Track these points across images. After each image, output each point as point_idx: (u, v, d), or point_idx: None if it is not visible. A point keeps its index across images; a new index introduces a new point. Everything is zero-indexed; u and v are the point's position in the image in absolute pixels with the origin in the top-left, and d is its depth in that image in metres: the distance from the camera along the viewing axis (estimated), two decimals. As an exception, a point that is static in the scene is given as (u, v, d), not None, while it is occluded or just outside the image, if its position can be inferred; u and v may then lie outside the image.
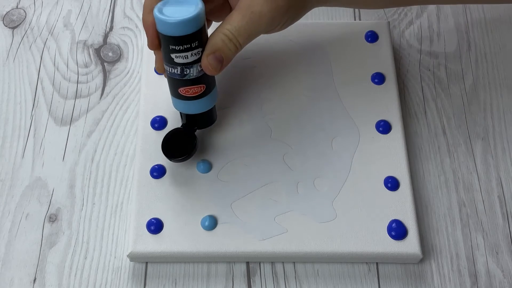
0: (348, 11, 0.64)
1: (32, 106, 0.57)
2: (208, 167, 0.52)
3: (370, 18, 0.63)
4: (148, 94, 0.56)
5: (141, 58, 0.60)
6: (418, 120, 0.57)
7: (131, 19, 0.63)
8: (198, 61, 0.45)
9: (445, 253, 0.51)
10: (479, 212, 0.53)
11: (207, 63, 0.45)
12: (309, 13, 0.64)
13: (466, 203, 0.53)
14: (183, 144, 0.50)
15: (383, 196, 0.51)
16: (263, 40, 0.59)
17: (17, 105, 0.57)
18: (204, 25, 0.45)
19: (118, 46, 0.61)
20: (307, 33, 0.60)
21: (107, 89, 0.59)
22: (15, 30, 0.62)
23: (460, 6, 0.64)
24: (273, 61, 0.58)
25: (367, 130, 0.54)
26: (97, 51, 0.61)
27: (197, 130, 0.51)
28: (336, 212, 0.50)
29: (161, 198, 0.50)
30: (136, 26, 0.63)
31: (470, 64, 0.61)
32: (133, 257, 0.49)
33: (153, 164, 0.52)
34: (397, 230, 0.49)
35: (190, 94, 0.47)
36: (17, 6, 0.63)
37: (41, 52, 0.60)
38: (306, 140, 0.53)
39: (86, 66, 0.60)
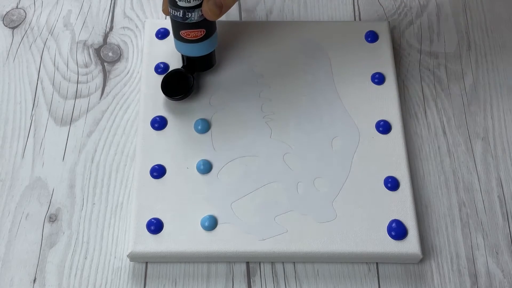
0: (348, 11, 0.64)
1: (32, 106, 0.57)
2: (208, 167, 0.52)
3: (370, 18, 0.63)
4: (148, 94, 0.56)
5: (141, 58, 0.60)
6: (418, 120, 0.57)
7: (131, 19, 0.63)
8: (199, 6, 0.49)
9: (445, 253, 0.51)
10: (479, 212, 0.53)
11: (207, 9, 0.49)
12: (309, 13, 0.64)
13: (466, 203, 0.53)
14: (182, 84, 0.54)
15: (383, 196, 0.51)
16: (263, 40, 0.59)
17: (17, 105, 0.57)
18: None
19: (118, 46, 0.61)
20: (307, 33, 0.60)
21: (107, 89, 0.59)
22: (15, 30, 0.62)
23: (460, 6, 0.64)
24: (273, 61, 0.58)
25: (367, 130, 0.54)
26: (97, 51, 0.61)
27: (195, 78, 0.55)
28: (336, 212, 0.50)
29: (161, 198, 0.50)
30: (136, 26, 0.63)
31: (470, 64, 0.61)
32: (133, 257, 0.49)
33: (153, 164, 0.52)
34: (397, 230, 0.49)
35: (191, 37, 0.51)
36: (17, 6, 0.63)
37: (41, 52, 0.60)
38: (306, 140, 0.53)
39: (86, 66, 0.60)
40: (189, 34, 0.51)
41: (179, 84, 0.54)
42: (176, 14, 0.50)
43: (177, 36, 0.52)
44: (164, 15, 0.63)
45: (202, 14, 0.50)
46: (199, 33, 0.51)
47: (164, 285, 0.49)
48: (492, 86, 0.60)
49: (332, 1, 0.65)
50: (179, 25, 0.51)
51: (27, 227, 0.51)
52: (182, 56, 0.55)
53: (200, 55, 0.53)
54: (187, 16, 0.50)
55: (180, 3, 0.49)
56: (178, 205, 0.50)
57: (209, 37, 0.52)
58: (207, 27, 0.51)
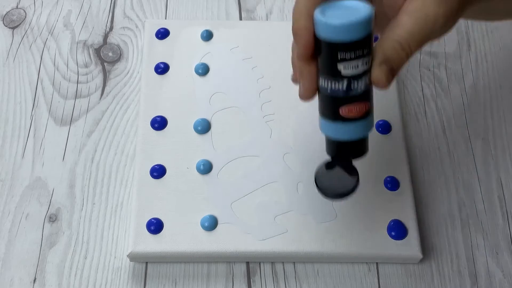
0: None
1: (32, 106, 0.57)
2: (208, 167, 0.52)
3: (370, 18, 0.63)
4: (148, 94, 0.56)
5: (141, 58, 0.60)
6: (418, 120, 0.57)
7: (131, 19, 0.63)
8: (366, 72, 0.39)
9: (445, 253, 0.51)
10: (479, 212, 0.53)
11: (381, 74, 0.39)
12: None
13: (466, 203, 0.53)
14: (343, 178, 0.43)
15: (383, 196, 0.51)
16: (263, 40, 0.59)
17: (17, 105, 0.57)
18: (373, 29, 0.39)
19: (118, 46, 0.61)
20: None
21: (107, 89, 0.59)
22: (15, 30, 0.62)
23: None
24: (273, 61, 0.58)
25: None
26: (97, 51, 0.61)
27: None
28: (336, 212, 0.50)
29: (161, 198, 0.50)
30: (136, 26, 0.63)
31: (470, 64, 0.61)
32: (133, 257, 0.49)
33: (153, 164, 0.52)
34: (397, 230, 0.49)
35: (354, 113, 0.39)
36: (17, 6, 0.63)
37: (41, 52, 0.60)
38: (306, 140, 0.53)
39: (86, 66, 0.60)
40: (352, 110, 0.39)
41: (340, 178, 0.43)
42: (336, 87, 0.39)
43: (333, 116, 0.40)
44: (165, 16, 0.63)
45: (369, 83, 0.39)
46: (364, 107, 0.39)
47: (164, 285, 0.49)
48: (492, 86, 0.60)
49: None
50: (338, 100, 0.39)
51: (27, 227, 0.51)
52: (331, 143, 0.42)
53: (363, 135, 0.41)
54: (352, 87, 0.38)
55: (345, 72, 0.38)
56: (178, 205, 0.50)
57: (372, 111, 0.41)
58: (371, 98, 0.40)
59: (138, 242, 0.49)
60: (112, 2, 0.64)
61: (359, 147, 0.42)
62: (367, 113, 0.40)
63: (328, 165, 0.43)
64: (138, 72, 0.60)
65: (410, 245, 0.49)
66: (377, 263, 0.50)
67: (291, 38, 0.59)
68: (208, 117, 0.54)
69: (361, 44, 0.38)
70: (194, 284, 0.49)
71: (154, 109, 0.55)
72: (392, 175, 0.52)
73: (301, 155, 0.53)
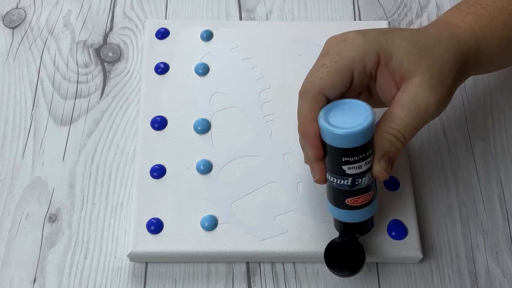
0: (348, 11, 0.64)
1: (32, 106, 0.57)
2: (208, 167, 0.52)
3: (370, 18, 0.63)
4: (148, 94, 0.56)
5: (141, 58, 0.60)
6: (418, 120, 0.57)
7: (131, 19, 0.63)
8: (370, 169, 0.42)
9: (445, 253, 0.51)
10: (479, 212, 0.53)
11: (380, 169, 0.42)
12: (309, 13, 0.64)
13: (466, 203, 0.53)
14: (351, 255, 0.46)
15: (383, 196, 0.51)
16: (263, 40, 0.59)
17: (17, 105, 0.57)
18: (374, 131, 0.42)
19: (118, 46, 0.61)
20: (307, 33, 0.60)
21: (107, 89, 0.59)
22: (15, 30, 0.62)
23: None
24: (273, 61, 0.58)
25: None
26: (97, 51, 0.61)
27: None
28: (336, 212, 0.50)
29: (161, 198, 0.50)
30: (136, 26, 0.63)
31: (470, 64, 0.61)
32: (133, 257, 0.49)
33: (153, 164, 0.52)
34: (397, 230, 0.49)
35: (359, 203, 0.44)
36: (17, 6, 0.63)
37: (41, 52, 0.60)
38: (306, 140, 0.53)
39: (86, 66, 0.60)
40: (357, 201, 0.43)
41: (348, 255, 0.46)
42: (342, 182, 0.42)
43: (340, 205, 0.44)
44: (165, 16, 0.63)
45: (372, 177, 0.43)
46: (368, 196, 0.44)
47: (164, 285, 0.49)
48: (492, 86, 0.60)
49: (332, 1, 0.65)
50: (345, 193, 0.43)
51: (27, 227, 0.51)
52: (338, 222, 0.46)
53: (367, 218, 0.46)
54: (356, 183, 0.42)
55: (349, 171, 0.42)
56: (178, 205, 0.50)
57: (376, 196, 0.45)
58: (374, 187, 0.44)
59: (138, 242, 0.49)
60: (112, 2, 0.64)
61: (364, 226, 0.46)
62: (371, 200, 0.44)
63: (336, 240, 0.47)
64: (138, 72, 0.60)
65: (410, 245, 0.49)
66: (377, 263, 0.50)
67: (291, 38, 0.59)
68: (208, 117, 0.54)
69: (364, 148, 0.41)
70: (194, 284, 0.49)
71: (154, 109, 0.55)
72: (392, 175, 0.52)
73: (301, 155, 0.53)
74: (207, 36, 0.59)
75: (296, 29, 0.60)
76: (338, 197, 0.44)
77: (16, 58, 0.60)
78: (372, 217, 0.47)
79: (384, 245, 0.49)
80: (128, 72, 0.60)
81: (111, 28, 0.62)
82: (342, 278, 0.48)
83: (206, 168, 0.52)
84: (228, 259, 0.50)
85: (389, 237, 0.49)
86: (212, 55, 0.58)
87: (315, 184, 0.51)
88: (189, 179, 0.51)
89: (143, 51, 0.59)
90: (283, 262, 0.50)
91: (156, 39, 0.59)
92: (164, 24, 0.60)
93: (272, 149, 0.53)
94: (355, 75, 0.43)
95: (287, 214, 0.50)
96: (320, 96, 0.42)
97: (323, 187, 0.51)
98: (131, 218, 0.50)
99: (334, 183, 0.43)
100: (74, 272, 0.49)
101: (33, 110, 0.57)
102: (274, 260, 0.50)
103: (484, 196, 0.54)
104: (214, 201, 0.50)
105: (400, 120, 0.42)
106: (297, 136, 0.54)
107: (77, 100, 0.58)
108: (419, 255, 0.49)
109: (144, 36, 0.60)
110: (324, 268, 0.50)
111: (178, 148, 0.53)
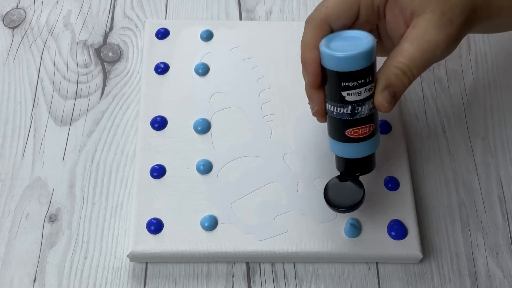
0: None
1: (32, 106, 0.57)
2: (208, 167, 0.52)
3: (370, 18, 0.63)
4: (148, 94, 0.56)
5: (141, 58, 0.60)
6: (418, 120, 0.57)
7: (131, 19, 0.63)
8: (370, 97, 0.42)
9: (445, 253, 0.51)
10: (479, 212, 0.53)
11: (383, 100, 0.41)
12: (309, 13, 0.64)
13: (466, 203, 0.53)
14: (351, 192, 0.46)
15: (383, 196, 0.51)
16: (263, 40, 0.59)
17: (17, 105, 0.57)
18: (376, 57, 0.42)
19: (118, 46, 0.61)
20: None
21: (107, 89, 0.59)
22: (15, 30, 0.62)
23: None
24: (273, 61, 0.58)
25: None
26: (97, 51, 0.61)
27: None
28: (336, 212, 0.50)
29: (161, 198, 0.50)
30: (136, 26, 0.63)
31: (470, 64, 0.61)
32: (133, 257, 0.49)
33: (153, 164, 0.52)
34: (397, 230, 0.49)
35: (359, 135, 0.43)
36: (17, 6, 0.63)
37: (41, 52, 0.60)
38: (306, 140, 0.53)
39: (86, 66, 0.60)
40: (357, 132, 0.43)
41: (347, 192, 0.46)
42: (341, 111, 0.42)
43: (340, 137, 0.44)
44: (165, 16, 0.63)
45: (373, 107, 0.42)
46: (369, 128, 0.43)
47: (164, 285, 0.49)
48: (492, 86, 0.60)
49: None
50: (344, 123, 0.43)
51: (27, 227, 0.51)
52: (339, 160, 0.46)
53: (368, 154, 0.45)
54: (356, 111, 0.42)
55: (349, 98, 0.41)
56: (178, 205, 0.50)
57: (377, 131, 0.44)
58: (376, 120, 0.44)
59: (138, 242, 0.49)
60: (112, 2, 0.64)
61: (365, 164, 0.45)
62: (372, 134, 0.44)
63: (337, 179, 0.46)
64: (138, 72, 0.60)
65: (410, 245, 0.49)
66: (377, 263, 0.50)
67: (291, 38, 0.59)
68: (208, 117, 0.54)
69: (364, 73, 0.41)
70: (194, 284, 0.49)
71: (154, 109, 0.55)
72: (392, 175, 0.52)
73: (301, 155, 0.53)
74: (207, 36, 0.59)
75: (296, 29, 0.60)
76: (338, 128, 0.43)
77: (16, 58, 0.60)
78: (373, 156, 0.46)
79: (384, 245, 0.49)
80: (128, 72, 0.60)
81: (111, 28, 0.62)
82: (341, 214, 0.48)
83: (206, 168, 0.52)
84: (228, 259, 0.50)
85: (389, 237, 0.49)
86: (212, 55, 0.58)
87: (315, 184, 0.51)
88: (189, 179, 0.51)
89: (143, 51, 0.59)
90: (283, 262, 0.50)
91: (156, 39, 0.59)
92: (164, 24, 0.60)
93: (272, 149, 0.53)
94: (362, 8, 0.43)
95: (287, 214, 0.50)
96: (324, 24, 0.43)
97: (323, 187, 0.51)
98: (131, 218, 0.50)
99: (334, 113, 0.43)
100: (74, 272, 0.49)
101: (33, 110, 0.57)
102: (274, 260, 0.50)
103: (484, 196, 0.54)
104: (214, 201, 0.50)
105: (409, 54, 0.41)
106: (297, 136, 0.54)
107: (77, 100, 0.58)
108: (419, 255, 0.49)
109: (144, 36, 0.60)
110: (324, 268, 0.50)
111: (178, 148, 0.53)
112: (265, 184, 0.51)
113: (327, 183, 0.47)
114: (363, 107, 0.42)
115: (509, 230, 0.52)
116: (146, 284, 0.49)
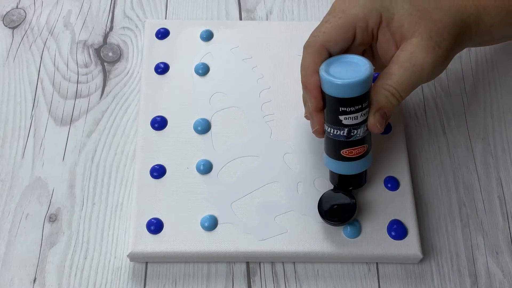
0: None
1: (32, 106, 0.57)
2: (208, 167, 0.52)
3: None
4: (148, 94, 0.56)
5: (141, 58, 0.60)
6: (418, 120, 0.57)
7: (131, 19, 0.63)
8: (365, 121, 0.44)
9: (445, 253, 0.51)
10: (479, 212, 0.53)
11: (375, 122, 0.44)
12: (309, 13, 0.64)
13: (466, 203, 0.53)
14: (344, 206, 0.48)
15: (383, 196, 0.51)
16: (263, 40, 0.59)
17: (17, 105, 0.57)
18: (371, 83, 0.44)
19: (118, 46, 0.61)
20: (307, 33, 0.59)
21: (107, 89, 0.59)
22: (15, 30, 0.62)
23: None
24: (273, 61, 0.58)
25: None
26: (97, 51, 0.61)
27: None
28: (336, 212, 0.50)
29: (161, 198, 0.50)
30: (136, 26, 0.63)
31: (470, 64, 0.61)
32: (133, 257, 0.49)
33: (153, 164, 0.52)
34: (397, 230, 0.49)
35: (353, 154, 0.46)
36: (17, 6, 0.63)
37: (41, 52, 0.60)
38: (306, 140, 0.53)
39: (86, 66, 0.60)
40: (352, 152, 0.46)
41: (341, 205, 0.48)
42: (338, 133, 0.45)
43: (335, 156, 0.46)
44: (165, 16, 0.63)
45: (366, 129, 0.45)
46: (362, 149, 0.46)
47: (164, 285, 0.49)
48: (492, 86, 0.60)
49: (332, 1, 0.65)
50: (340, 144, 0.46)
51: (27, 227, 0.51)
52: (333, 174, 0.49)
53: (361, 171, 0.48)
54: (352, 134, 0.45)
55: (345, 122, 0.44)
56: (178, 205, 0.50)
57: (370, 150, 0.47)
58: (369, 141, 0.47)
59: (138, 242, 0.49)
60: (112, 2, 0.64)
61: (358, 179, 0.49)
62: (365, 153, 0.47)
63: (331, 192, 0.49)
64: (138, 72, 0.60)
65: (410, 245, 0.49)
66: (377, 263, 0.50)
67: (291, 38, 0.59)
68: (208, 117, 0.54)
69: (360, 100, 0.43)
70: (194, 284, 0.49)
71: (154, 109, 0.55)
72: (392, 175, 0.52)
73: (301, 155, 0.53)
74: (207, 36, 0.59)
75: (296, 29, 0.60)
76: (334, 148, 0.46)
77: (16, 58, 0.60)
78: (366, 172, 0.49)
79: (384, 245, 0.49)
80: (128, 72, 0.60)
81: (111, 28, 0.62)
82: (332, 226, 0.49)
83: (206, 168, 0.52)
84: (228, 259, 0.50)
85: (389, 237, 0.49)
86: (212, 55, 0.58)
87: (315, 184, 0.51)
88: (189, 179, 0.51)
89: (143, 51, 0.59)
90: (283, 262, 0.50)
91: (156, 39, 0.59)
92: (164, 24, 0.60)
93: (272, 149, 0.53)
94: (358, 32, 0.45)
95: (287, 214, 0.50)
96: (322, 49, 0.45)
97: (323, 187, 0.51)
98: (131, 218, 0.50)
99: (331, 134, 0.45)
100: (74, 272, 0.49)
101: (33, 110, 0.57)
102: (274, 260, 0.50)
103: (484, 196, 0.54)
104: (214, 201, 0.50)
105: (397, 78, 0.44)
106: (297, 136, 0.54)
107: (77, 100, 0.58)
108: (419, 255, 0.49)
109: (144, 36, 0.60)
110: (324, 268, 0.50)
111: (178, 148, 0.53)
112: (265, 184, 0.51)
113: (322, 195, 0.49)
114: (359, 130, 0.45)
115: (509, 230, 0.52)
116: (146, 284, 0.49)
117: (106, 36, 0.62)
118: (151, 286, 0.49)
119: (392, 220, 0.50)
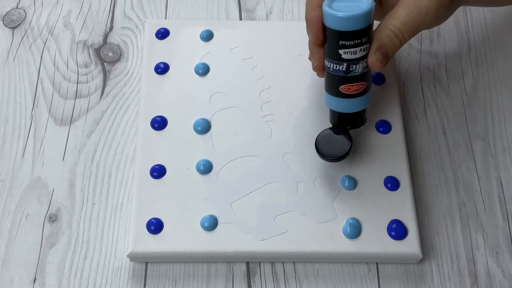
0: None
1: (32, 106, 0.57)
2: (208, 167, 0.52)
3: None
4: (148, 94, 0.56)
5: (141, 58, 0.60)
6: (418, 120, 0.57)
7: (131, 19, 0.63)
8: (364, 57, 0.45)
9: (445, 253, 0.51)
10: (479, 212, 0.53)
11: (375, 59, 0.45)
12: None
13: (466, 203, 0.53)
14: (339, 144, 0.49)
15: (383, 196, 0.51)
16: (263, 40, 0.59)
17: (17, 105, 0.57)
18: (373, 20, 0.45)
19: (118, 46, 0.61)
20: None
21: (107, 89, 0.59)
22: (15, 30, 0.62)
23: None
24: (273, 61, 0.58)
25: (367, 129, 0.54)
26: (97, 51, 0.61)
27: None
28: (336, 212, 0.50)
29: (161, 198, 0.50)
30: (136, 26, 0.63)
31: (470, 64, 0.61)
32: (133, 257, 0.49)
33: (153, 164, 0.52)
34: (397, 230, 0.49)
35: (352, 91, 0.47)
36: (17, 6, 0.63)
37: (41, 52, 0.60)
38: (306, 140, 0.53)
39: (86, 66, 0.60)
40: (350, 88, 0.46)
41: (337, 143, 0.49)
42: (337, 68, 0.46)
43: (334, 92, 0.47)
44: (165, 16, 0.63)
45: (366, 66, 0.46)
46: (361, 86, 0.47)
47: (164, 285, 0.49)
48: (492, 86, 0.60)
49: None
50: (339, 79, 0.46)
51: (27, 227, 0.51)
52: (333, 113, 0.50)
53: (359, 110, 0.49)
54: (351, 69, 0.45)
55: (345, 56, 0.45)
56: (178, 205, 0.50)
57: (369, 89, 0.48)
58: (368, 79, 0.47)
59: (138, 242, 0.49)
60: (112, 2, 0.64)
61: (356, 119, 0.49)
62: (364, 91, 0.47)
63: (330, 130, 0.50)
64: (138, 72, 0.60)
65: (410, 245, 0.49)
66: (377, 263, 0.50)
67: (291, 38, 0.59)
68: (208, 117, 0.54)
69: (360, 34, 0.44)
70: (194, 284, 0.49)
71: (154, 109, 0.55)
72: (392, 175, 0.52)
73: (301, 155, 0.53)
74: (207, 36, 0.59)
75: (296, 29, 0.60)
76: (333, 85, 0.47)
77: (16, 58, 0.60)
78: (364, 112, 0.50)
79: (384, 245, 0.49)
80: (128, 72, 0.60)
81: (111, 28, 0.62)
82: (329, 162, 0.50)
83: (206, 168, 0.52)
84: (228, 259, 0.50)
85: (389, 237, 0.49)
86: (212, 55, 0.58)
87: (315, 184, 0.51)
88: (189, 179, 0.51)
89: (143, 51, 0.59)
90: (283, 262, 0.50)
91: (156, 39, 0.59)
92: (164, 24, 0.60)
93: (272, 149, 0.53)
94: None
95: (287, 214, 0.50)
96: None
97: (323, 187, 0.51)
98: (131, 218, 0.50)
99: (331, 69, 0.46)
100: (74, 272, 0.49)
101: (33, 110, 0.57)
102: (274, 260, 0.50)
103: (484, 196, 0.54)
104: (214, 201, 0.50)
105: (401, 19, 0.45)
106: (297, 136, 0.54)
107: (77, 100, 0.58)
108: (419, 255, 0.49)
109: (144, 36, 0.60)
110: (324, 268, 0.50)
111: (178, 148, 0.53)
112: (265, 184, 0.51)
113: (320, 133, 0.50)
114: (357, 65, 0.45)
115: (509, 230, 0.52)
116: (146, 284, 0.49)
117: (106, 36, 0.62)
118: (151, 286, 0.49)
119: (392, 220, 0.50)
